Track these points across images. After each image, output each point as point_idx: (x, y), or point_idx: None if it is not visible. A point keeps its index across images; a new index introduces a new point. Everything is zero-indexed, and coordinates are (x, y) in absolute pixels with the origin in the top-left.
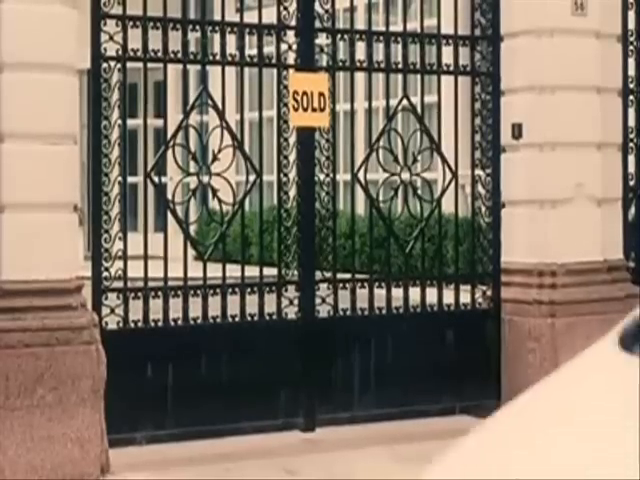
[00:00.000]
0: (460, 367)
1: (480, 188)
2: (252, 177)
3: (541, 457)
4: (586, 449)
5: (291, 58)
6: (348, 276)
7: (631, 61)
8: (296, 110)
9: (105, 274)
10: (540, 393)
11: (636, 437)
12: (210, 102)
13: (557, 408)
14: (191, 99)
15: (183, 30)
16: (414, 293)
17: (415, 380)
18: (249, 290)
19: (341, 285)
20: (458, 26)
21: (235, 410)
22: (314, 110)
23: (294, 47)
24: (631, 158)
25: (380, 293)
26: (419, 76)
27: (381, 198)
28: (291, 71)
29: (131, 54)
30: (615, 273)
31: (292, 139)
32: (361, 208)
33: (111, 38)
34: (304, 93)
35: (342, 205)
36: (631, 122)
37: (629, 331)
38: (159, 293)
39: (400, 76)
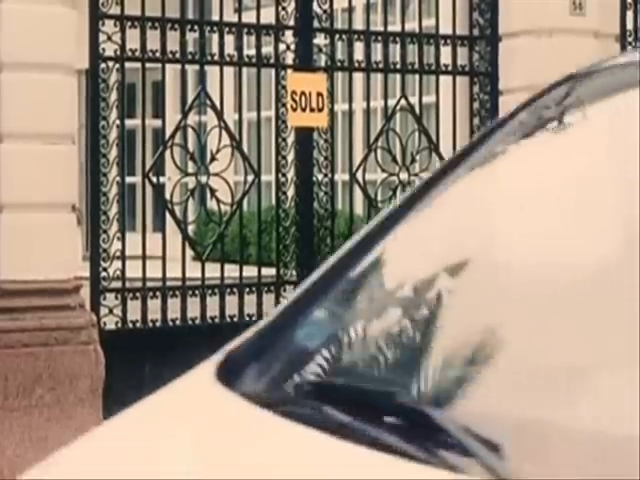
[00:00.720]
0: None
1: None
2: (250, 177)
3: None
4: None
5: (289, 58)
6: None
7: None
8: (294, 110)
9: (103, 274)
10: (126, 419)
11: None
12: (208, 102)
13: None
14: (189, 99)
15: (181, 30)
16: None
17: None
18: (247, 290)
19: None
20: (456, 26)
21: None
22: (312, 110)
23: (292, 47)
24: None
25: None
26: (417, 76)
27: (379, 198)
28: (289, 71)
29: (129, 54)
30: None
31: (290, 139)
32: (359, 208)
33: (109, 38)
34: (302, 93)
35: (340, 205)
36: None
37: (232, 359)
38: (157, 293)
39: (398, 76)
